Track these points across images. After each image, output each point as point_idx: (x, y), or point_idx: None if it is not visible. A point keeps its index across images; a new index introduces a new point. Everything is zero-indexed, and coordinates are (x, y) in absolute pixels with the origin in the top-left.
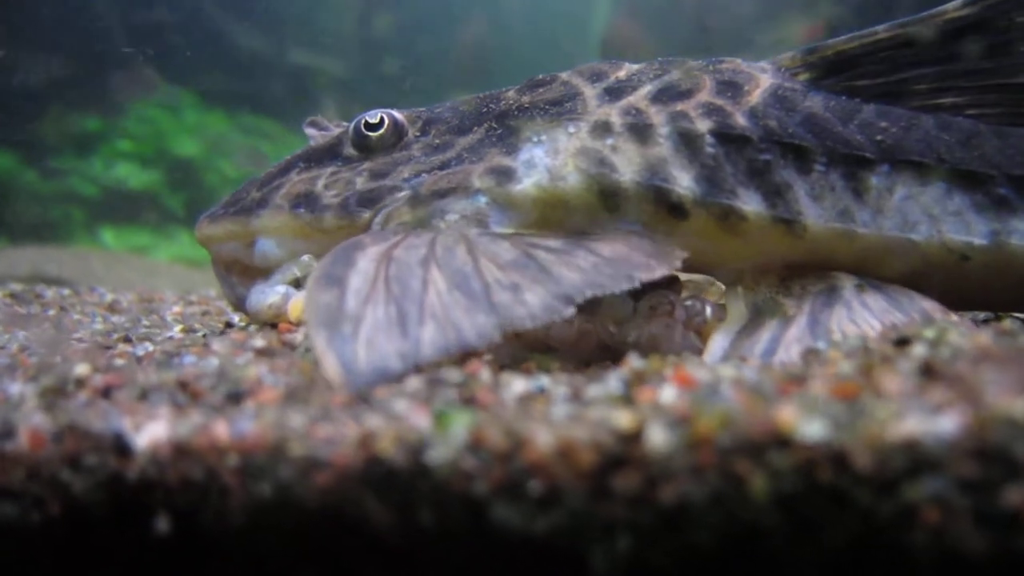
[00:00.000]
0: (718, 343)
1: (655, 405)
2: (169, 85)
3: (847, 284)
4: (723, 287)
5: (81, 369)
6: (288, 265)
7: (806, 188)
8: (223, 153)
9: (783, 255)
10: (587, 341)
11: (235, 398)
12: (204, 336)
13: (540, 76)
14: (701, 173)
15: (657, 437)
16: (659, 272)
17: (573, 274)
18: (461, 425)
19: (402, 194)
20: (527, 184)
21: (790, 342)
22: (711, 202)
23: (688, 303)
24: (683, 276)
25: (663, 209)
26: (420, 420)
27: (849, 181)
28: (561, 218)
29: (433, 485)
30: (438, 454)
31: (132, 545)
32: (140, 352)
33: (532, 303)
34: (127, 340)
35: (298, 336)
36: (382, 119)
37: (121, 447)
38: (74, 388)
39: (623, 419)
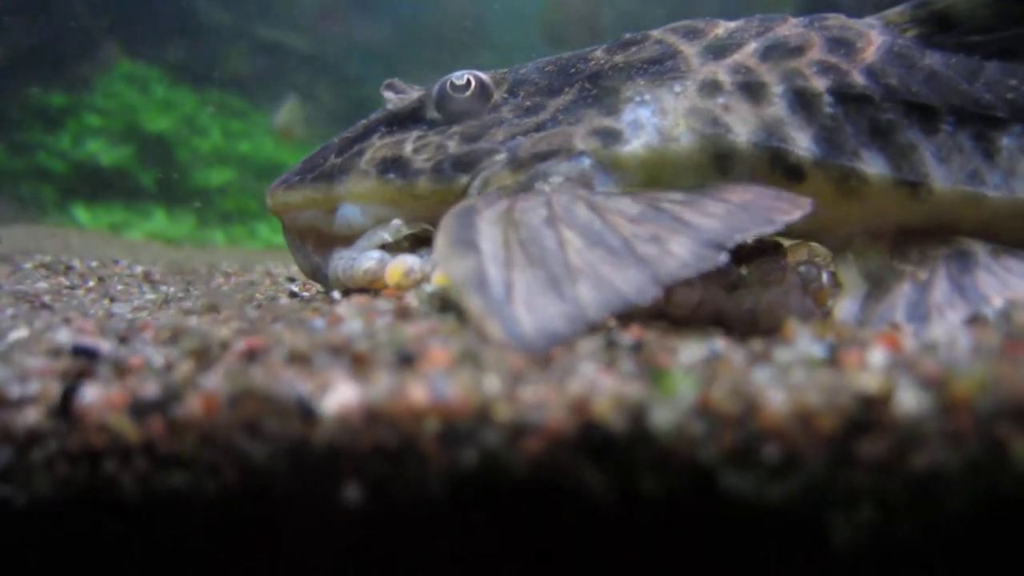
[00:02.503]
0: (847, 309)
1: (875, 367)
2: (132, 60)
3: (978, 249)
4: (828, 252)
5: (223, 331)
6: (375, 230)
7: (932, 149)
8: (195, 129)
9: (901, 219)
10: (704, 308)
11: (407, 360)
12: (307, 301)
13: (628, 35)
14: (820, 134)
15: (909, 400)
16: (797, 214)
17: (711, 221)
18: (688, 387)
19: (500, 157)
20: (636, 145)
21: (941, 307)
22: (831, 164)
23: (802, 269)
24: (785, 242)
25: (778, 171)
26: (634, 383)
27: (979, 142)
28: (668, 180)
29: (656, 451)
30: (662, 418)
31: (319, 515)
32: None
33: (680, 253)
34: (213, 308)
35: (412, 300)
36: (469, 81)
37: (306, 412)
38: (219, 351)
39: (871, 382)
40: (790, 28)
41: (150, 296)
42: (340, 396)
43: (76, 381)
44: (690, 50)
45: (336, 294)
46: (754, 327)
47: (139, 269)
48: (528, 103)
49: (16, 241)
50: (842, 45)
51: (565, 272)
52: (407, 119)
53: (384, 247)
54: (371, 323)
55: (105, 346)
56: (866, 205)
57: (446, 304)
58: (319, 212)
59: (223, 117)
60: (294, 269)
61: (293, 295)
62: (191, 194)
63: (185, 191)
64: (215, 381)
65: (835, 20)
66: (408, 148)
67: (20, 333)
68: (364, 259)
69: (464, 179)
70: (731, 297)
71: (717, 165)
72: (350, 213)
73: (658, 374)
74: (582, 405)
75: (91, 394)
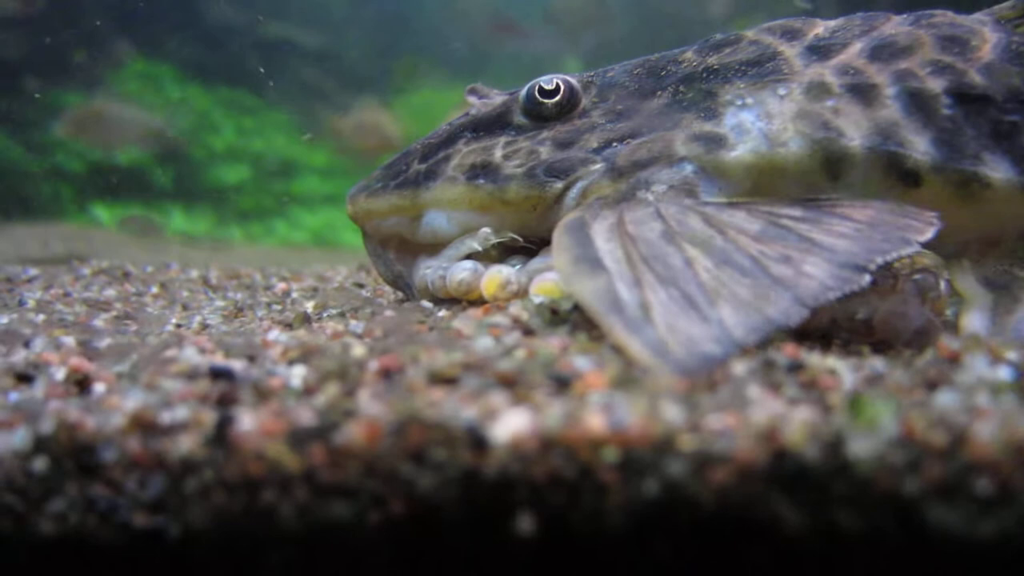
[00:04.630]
0: (976, 321)
1: None
2: (145, 60)
3: None
4: (940, 259)
5: (357, 351)
6: (462, 239)
7: None
8: (209, 128)
9: (1021, 225)
10: (820, 318)
11: (563, 384)
12: (406, 312)
13: (719, 36)
14: (939, 137)
15: None
16: (928, 233)
17: (845, 242)
18: (889, 416)
19: (597, 166)
20: (742, 151)
21: None
22: (952, 168)
23: (918, 277)
24: None
25: (893, 176)
26: (808, 408)
27: None
28: (774, 186)
29: (855, 483)
30: (862, 448)
31: (489, 547)
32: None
33: (819, 275)
34: (307, 320)
35: (521, 312)
36: (558, 85)
37: (477, 441)
38: (357, 372)
39: None
40: (896, 27)
41: (220, 303)
42: (512, 424)
43: (229, 407)
44: (790, 51)
45: (426, 303)
46: (866, 337)
47: (194, 273)
48: (619, 107)
49: (42, 242)
50: (955, 43)
51: (700, 293)
52: (493, 124)
53: (471, 256)
54: (500, 340)
55: (237, 366)
56: (983, 210)
57: (556, 317)
58: (403, 219)
59: (235, 114)
60: (344, 272)
61: (369, 303)
62: (207, 192)
63: (201, 189)
64: (376, 407)
65: (942, 17)
66: (498, 154)
67: (137, 351)
68: (457, 269)
69: (558, 185)
70: (843, 306)
71: (828, 171)
72: (436, 220)
73: (855, 401)
74: (772, 434)
75: (248, 421)
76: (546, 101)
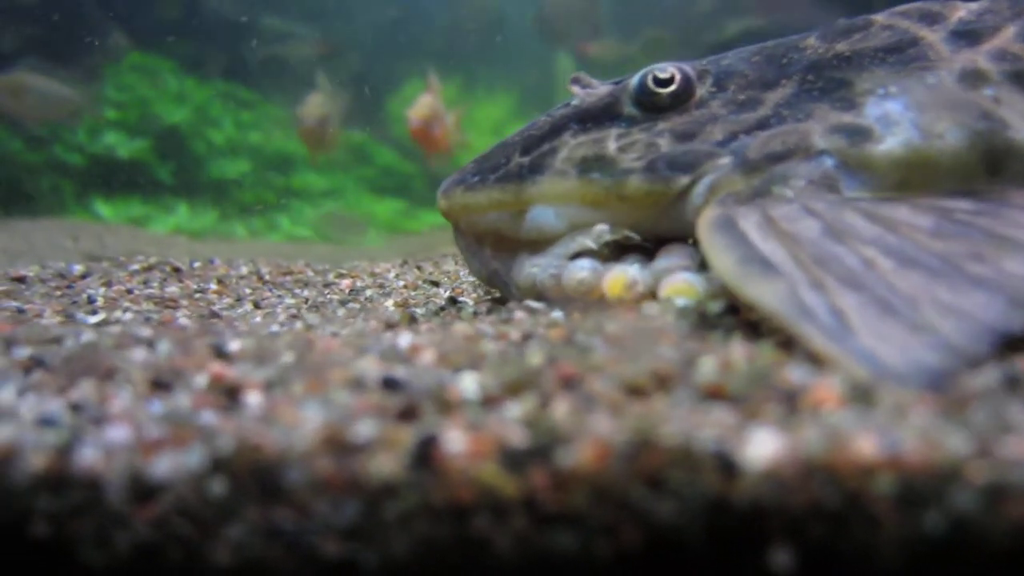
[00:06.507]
0: None
1: None
2: (143, 52)
3: None
4: None
5: (536, 359)
6: (572, 236)
7: None
8: (209, 121)
9: None
10: None
11: (789, 399)
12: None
13: (843, 21)
14: None
15: None
16: None
17: None
18: None
19: (724, 159)
20: (892, 144)
21: None
22: None
23: None
24: None
25: None
26: None
27: None
28: (924, 181)
29: None
30: None
31: None
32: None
33: None
34: (413, 320)
35: (665, 316)
36: (673, 75)
37: (727, 465)
38: (547, 382)
39: None
40: None
41: (290, 300)
42: (766, 448)
43: (432, 426)
44: (933, 36)
45: (534, 303)
46: None
47: (244, 269)
48: (741, 97)
49: (51, 236)
50: None
51: (895, 297)
52: (601, 115)
53: (581, 255)
54: (676, 347)
55: (401, 374)
56: None
57: (702, 319)
58: (504, 214)
59: (233, 108)
60: (393, 268)
61: (454, 301)
62: (208, 186)
63: (202, 183)
64: (605, 425)
65: None
66: (611, 146)
67: (284, 359)
68: (575, 268)
69: (683, 180)
70: None
71: (987, 165)
72: (543, 216)
73: None
74: None
75: (456, 441)
76: (660, 91)
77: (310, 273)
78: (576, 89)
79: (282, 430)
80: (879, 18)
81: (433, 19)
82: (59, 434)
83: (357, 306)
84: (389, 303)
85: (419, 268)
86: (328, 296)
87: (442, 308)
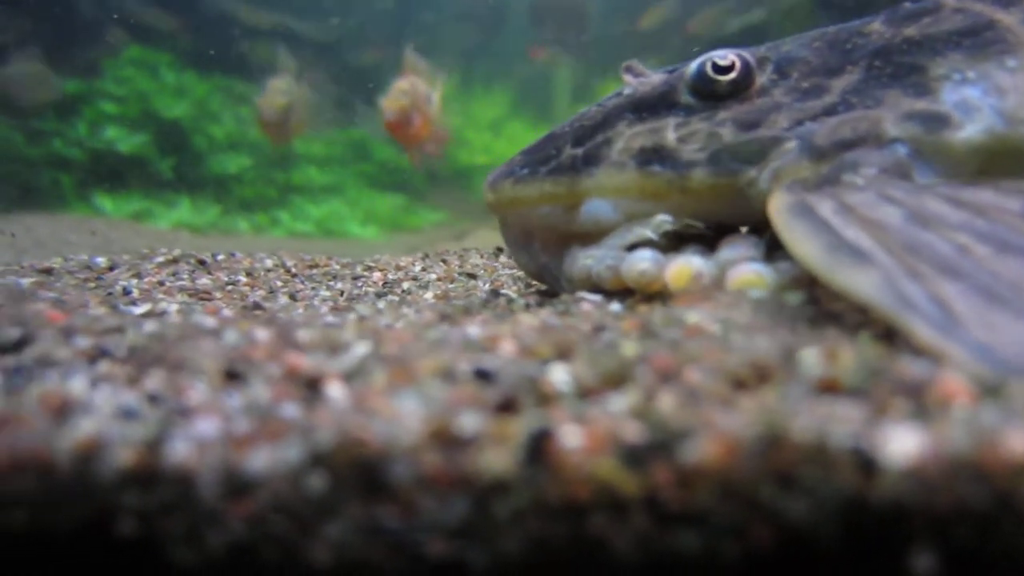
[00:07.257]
0: None
1: None
2: (141, 46)
3: None
4: None
5: (630, 350)
6: (629, 227)
7: None
8: (209, 116)
9: None
10: None
11: (915, 394)
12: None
13: (909, 5)
14: None
15: None
16: None
17: None
18: None
19: (791, 145)
20: (972, 131)
21: None
22: None
23: None
24: None
25: None
26: None
27: None
28: (1005, 169)
29: None
30: None
31: None
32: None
33: None
34: (468, 312)
35: (742, 307)
36: (733, 62)
37: (865, 463)
38: (644, 373)
39: None
40: None
41: (325, 293)
42: (908, 445)
43: (540, 419)
44: (1010, 19)
45: (591, 295)
46: None
47: (269, 262)
48: (805, 84)
49: (53, 231)
50: None
51: (998, 284)
52: (656, 104)
53: (639, 245)
54: (770, 338)
55: (490, 365)
56: None
57: (779, 309)
58: (557, 208)
59: (232, 103)
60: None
61: (496, 294)
62: (209, 181)
63: (203, 178)
64: (731, 420)
65: None
66: (670, 137)
67: (358, 350)
68: (636, 259)
69: (751, 171)
70: None
71: None
72: (599, 208)
73: None
74: None
75: (572, 436)
76: (720, 78)
77: (336, 266)
78: (629, 78)
79: (384, 423)
80: (949, 1)
81: (434, 10)
82: (146, 427)
83: (396, 298)
84: (428, 295)
85: (444, 262)
86: (363, 288)
87: (486, 301)
